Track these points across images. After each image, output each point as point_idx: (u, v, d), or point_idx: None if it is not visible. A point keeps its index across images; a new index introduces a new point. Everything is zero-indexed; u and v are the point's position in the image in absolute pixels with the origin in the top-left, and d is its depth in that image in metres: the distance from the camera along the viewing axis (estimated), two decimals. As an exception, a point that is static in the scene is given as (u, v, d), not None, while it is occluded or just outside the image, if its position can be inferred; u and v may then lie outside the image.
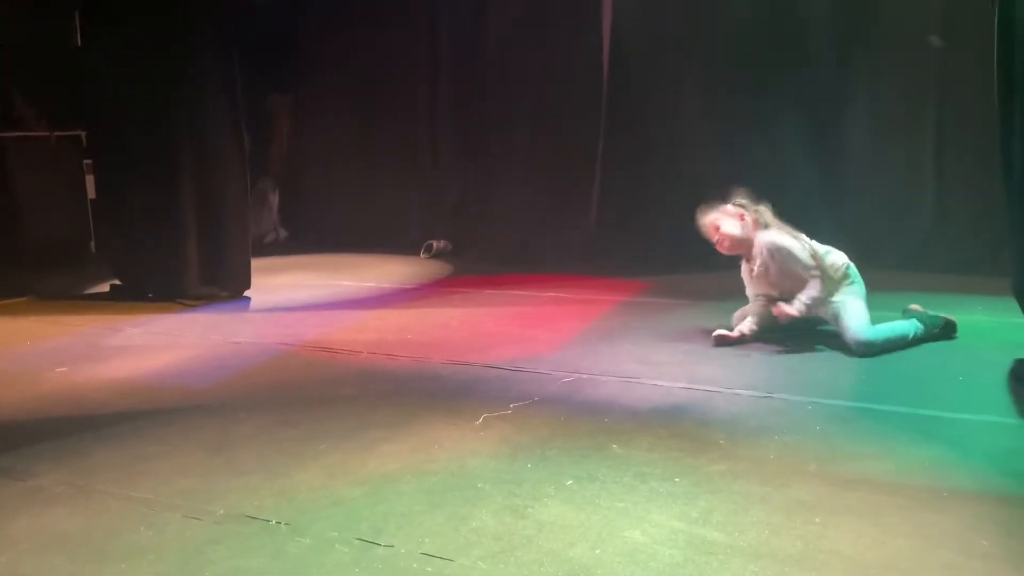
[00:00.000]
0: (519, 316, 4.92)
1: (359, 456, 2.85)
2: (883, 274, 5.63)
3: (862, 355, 3.78)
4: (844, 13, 6.17)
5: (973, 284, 5.16)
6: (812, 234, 4.07)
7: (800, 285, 3.96)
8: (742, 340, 4.07)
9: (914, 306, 4.10)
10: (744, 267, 4.23)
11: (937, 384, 3.44)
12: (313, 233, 8.24)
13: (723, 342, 4.06)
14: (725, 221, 4.08)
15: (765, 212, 4.11)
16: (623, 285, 5.65)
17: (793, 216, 6.18)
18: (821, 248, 4.06)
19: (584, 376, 3.67)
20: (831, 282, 3.99)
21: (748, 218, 4.07)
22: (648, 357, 3.92)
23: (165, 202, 5.53)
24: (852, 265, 4.06)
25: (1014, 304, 3.61)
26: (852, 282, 4.02)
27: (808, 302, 3.91)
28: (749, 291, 4.23)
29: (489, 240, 7.35)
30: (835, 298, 3.97)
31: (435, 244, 7.37)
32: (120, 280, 5.81)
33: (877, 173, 6.20)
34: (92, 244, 7.40)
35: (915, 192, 6.10)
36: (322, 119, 8.47)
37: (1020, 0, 3.29)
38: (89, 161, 6.81)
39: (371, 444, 2.95)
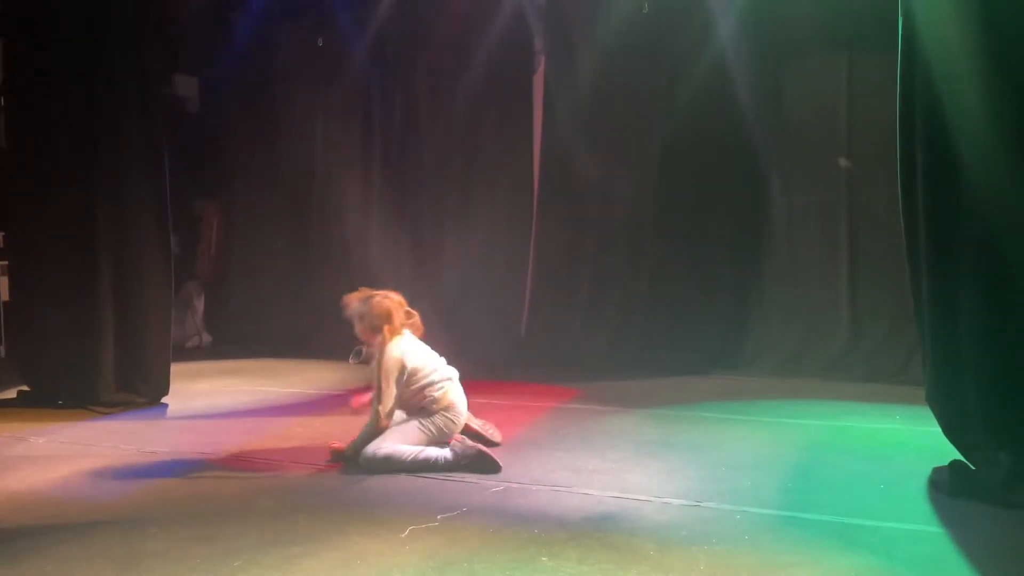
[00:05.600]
0: (448, 424, 4.83)
1: (275, 573, 2.70)
2: (805, 383, 5.82)
3: (363, 467, 3.79)
4: (761, 143, 6.59)
5: (890, 393, 5.33)
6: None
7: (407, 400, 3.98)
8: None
9: (458, 436, 3.99)
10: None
11: (860, 493, 3.48)
12: (239, 338, 8.04)
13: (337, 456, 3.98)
14: (363, 316, 4.14)
15: (414, 318, 4.16)
16: (553, 392, 5.64)
17: (718, 332, 6.63)
18: (438, 379, 4.01)
19: (514, 485, 3.60)
20: (418, 409, 3.99)
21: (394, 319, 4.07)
22: (578, 465, 3.88)
23: (82, 304, 5.34)
24: (456, 405, 4.02)
25: (929, 412, 3.73)
26: (445, 415, 3.97)
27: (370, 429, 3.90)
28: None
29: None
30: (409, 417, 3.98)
31: (364, 349, 7.27)
32: (29, 386, 5.52)
33: (795, 292, 6.53)
34: (2, 349, 7.05)
35: (831, 307, 6.41)
36: (251, 223, 8.42)
37: (920, 139, 3.55)
38: (5, 263, 6.57)
39: (289, 560, 2.80)
